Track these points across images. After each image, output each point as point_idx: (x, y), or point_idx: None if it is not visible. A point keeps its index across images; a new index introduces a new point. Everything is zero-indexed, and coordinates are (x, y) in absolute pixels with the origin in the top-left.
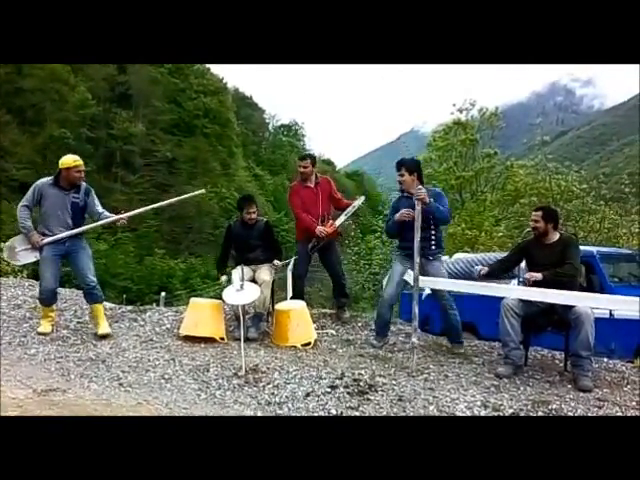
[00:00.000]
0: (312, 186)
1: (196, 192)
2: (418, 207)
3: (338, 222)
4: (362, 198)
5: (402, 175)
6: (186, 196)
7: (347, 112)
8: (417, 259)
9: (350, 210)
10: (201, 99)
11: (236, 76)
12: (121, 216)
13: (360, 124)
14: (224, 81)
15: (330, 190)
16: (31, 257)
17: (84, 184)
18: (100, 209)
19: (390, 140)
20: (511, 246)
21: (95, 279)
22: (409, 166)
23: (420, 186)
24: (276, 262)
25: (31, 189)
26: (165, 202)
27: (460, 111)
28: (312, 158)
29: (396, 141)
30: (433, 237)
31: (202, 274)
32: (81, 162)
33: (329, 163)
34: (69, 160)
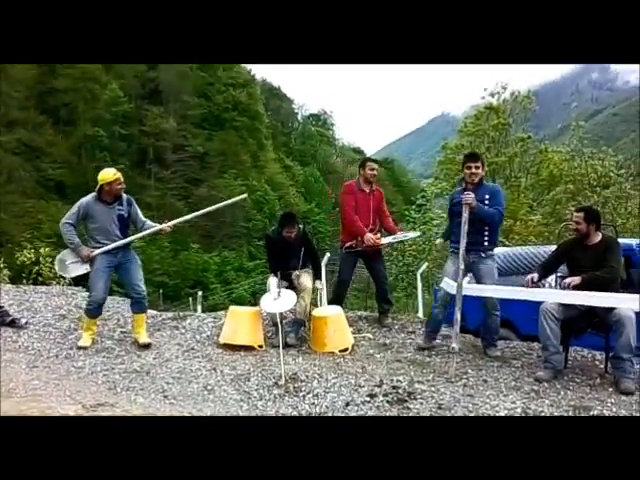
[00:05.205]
0: (367, 192)
1: (238, 197)
2: (465, 214)
3: (385, 241)
4: (417, 233)
5: (477, 167)
6: (229, 202)
7: (376, 97)
8: (462, 265)
9: (401, 237)
10: (230, 92)
11: (264, 68)
12: (165, 225)
13: (389, 109)
14: (252, 73)
15: (381, 202)
16: (81, 269)
17: (125, 195)
18: (143, 218)
19: (420, 125)
20: (547, 235)
21: (145, 289)
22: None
23: (468, 191)
24: (317, 283)
25: (75, 207)
26: (208, 209)
27: (492, 95)
28: (379, 164)
29: (426, 125)
30: (487, 232)
31: (236, 267)
32: (120, 175)
33: (359, 151)
34: (109, 175)
